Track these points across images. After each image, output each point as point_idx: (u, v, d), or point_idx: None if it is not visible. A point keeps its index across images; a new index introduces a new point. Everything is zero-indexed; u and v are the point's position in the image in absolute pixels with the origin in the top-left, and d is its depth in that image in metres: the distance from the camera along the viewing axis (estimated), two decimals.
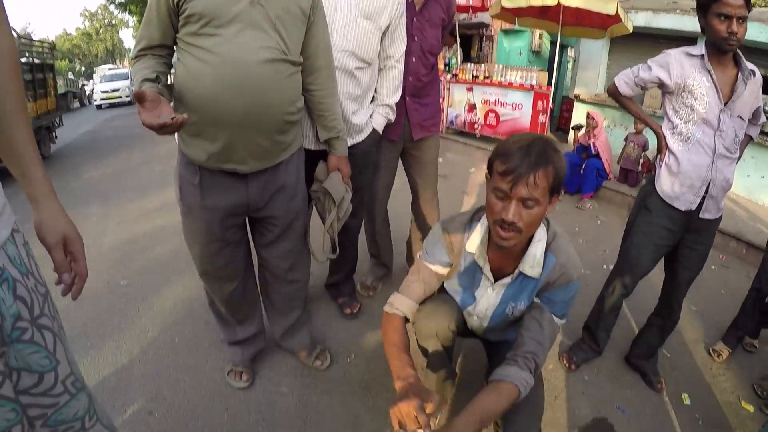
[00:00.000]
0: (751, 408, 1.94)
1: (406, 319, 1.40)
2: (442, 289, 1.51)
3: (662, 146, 1.78)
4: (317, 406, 1.82)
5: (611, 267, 2.02)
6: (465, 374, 2.00)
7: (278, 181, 1.50)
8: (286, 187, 1.53)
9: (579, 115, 5.79)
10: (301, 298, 1.87)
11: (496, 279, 1.35)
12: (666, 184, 1.77)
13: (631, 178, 4.50)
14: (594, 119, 4.38)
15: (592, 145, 4.40)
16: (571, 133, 5.45)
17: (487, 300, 1.40)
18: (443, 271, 1.42)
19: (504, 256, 1.30)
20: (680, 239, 1.84)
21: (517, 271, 1.29)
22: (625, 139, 4.56)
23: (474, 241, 1.32)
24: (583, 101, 5.91)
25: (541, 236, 1.26)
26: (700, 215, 1.74)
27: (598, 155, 4.38)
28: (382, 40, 1.82)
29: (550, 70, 6.09)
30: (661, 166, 1.80)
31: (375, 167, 2.14)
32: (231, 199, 1.45)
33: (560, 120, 7.13)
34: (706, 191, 1.70)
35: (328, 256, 1.82)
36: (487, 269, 1.33)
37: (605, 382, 2.04)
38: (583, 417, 1.85)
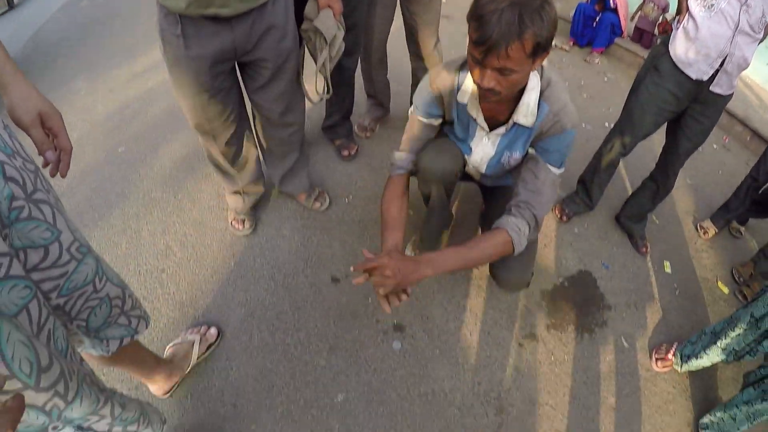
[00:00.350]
0: (726, 290, 2.03)
1: (411, 173, 1.43)
2: (442, 133, 1.49)
3: (683, 7, 1.66)
4: (317, 246, 1.92)
5: (613, 125, 1.99)
6: (460, 216, 2.08)
7: (265, 21, 1.39)
8: (274, 27, 1.43)
9: None
10: (298, 142, 1.86)
11: (491, 128, 1.32)
12: (680, 48, 1.67)
13: (646, 39, 4.22)
14: None
15: None
16: None
17: (483, 149, 1.39)
18: (436, 122, 1.39)
19: (496, 105, 1.25)
20: (686, 108, 1.79)
21: (511, 121, 1.26)
22: None
23: (465, 91, 1.26)
24: None
25: (534, 84, 1.19)
26: (711, 87, 1.67)
27: (615, 10, 4.04)
28: None
29: None
30: (678, 28, 1.68)
31: (370, 3, 1.97)
32: (216, 45, 1.36)
33: None
34: (721, 65, 1.61)
35: (322, 96, 1.77)
36: (481, 119, 1.30)
37: (593, 238, 2.13)
38: (569, 267, 1.96)
